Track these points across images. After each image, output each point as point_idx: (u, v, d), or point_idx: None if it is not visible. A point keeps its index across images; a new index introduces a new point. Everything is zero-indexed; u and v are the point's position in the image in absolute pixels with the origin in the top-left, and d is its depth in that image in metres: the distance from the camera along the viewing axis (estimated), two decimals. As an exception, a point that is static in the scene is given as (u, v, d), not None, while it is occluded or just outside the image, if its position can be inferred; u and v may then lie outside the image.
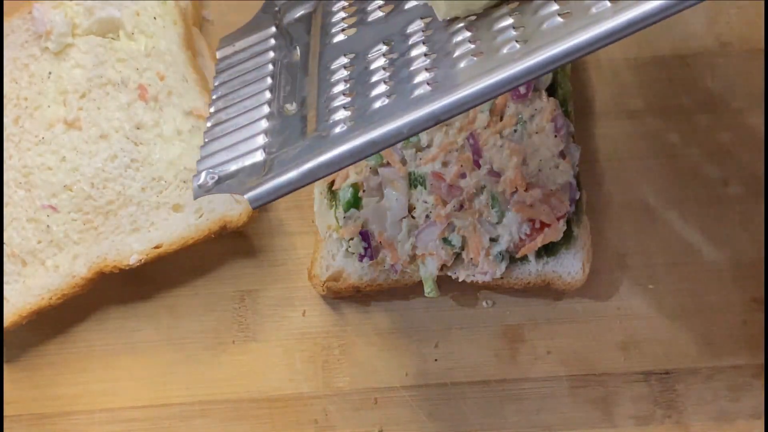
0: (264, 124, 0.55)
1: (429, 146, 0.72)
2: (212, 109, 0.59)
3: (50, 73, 0.75)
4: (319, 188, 0.75)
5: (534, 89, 0.73)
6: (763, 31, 0.80)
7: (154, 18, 0.76)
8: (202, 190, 0.53)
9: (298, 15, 0.63)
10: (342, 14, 0.60)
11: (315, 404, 0.72)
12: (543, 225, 0.71)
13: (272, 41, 0.62)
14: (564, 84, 0.75)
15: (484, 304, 0.74)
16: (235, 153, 0.54)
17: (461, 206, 0.70)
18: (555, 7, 0.47)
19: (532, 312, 0.74)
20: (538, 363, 0.73)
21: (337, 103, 0.53)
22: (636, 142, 0.78)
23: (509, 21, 0.48)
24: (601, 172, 0.77)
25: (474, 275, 0.71)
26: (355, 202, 0.72)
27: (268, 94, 0.57)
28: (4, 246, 0.72)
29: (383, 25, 0.56)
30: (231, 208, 0.72)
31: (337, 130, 0.50)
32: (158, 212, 0.73)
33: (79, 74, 0.75)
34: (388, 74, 0.52)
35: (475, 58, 0.48)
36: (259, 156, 0.53)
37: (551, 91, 0.74)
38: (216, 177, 0.53)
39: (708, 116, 0.78)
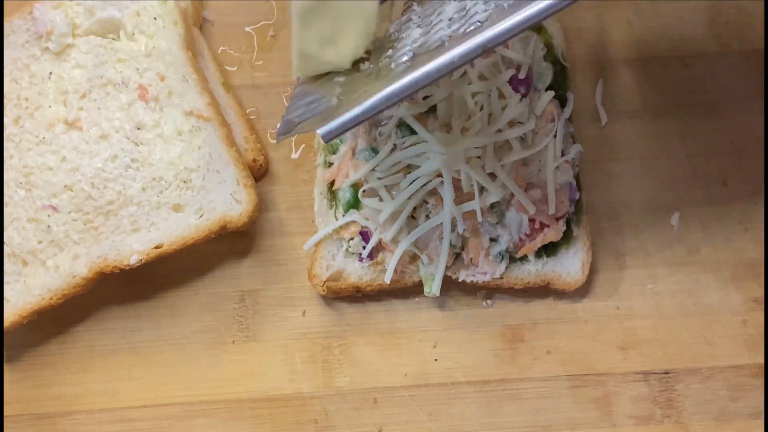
0: (340, 79, 0.60)
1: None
2: (298, 83, 0.64)
3: (51, 73, 0.75)
4: (319, 188, 0.75)
5: (534, 89, 0.73)
6: (763, 31, 0.80)
7: (155, 18, 0.76)
8: (282, 136, 0.58)
9: None
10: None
11: (315, 404, 0.72)
12: (543, 225, 0.71)
13: None
14: (564, 84, 0.75)
15: (484, 304, 0.74)
16: (313, 105, 0.59)
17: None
18: None
19: (532, 312, 0.74)
20: (538, 363, 0.73)
21: (402, 51, 0.58)
22: (636, 142, 0.78)
23: None
24: (601, 172, 0.77)
25: (474, 275, 0.71)
26: (355, 202, 0.72)
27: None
28: (5, 246, 0.72)
29: None
30: (231, 208, 0.72)
31: (400, 68, 0.55)
32: (158, 212, 0.73)
33: (79, 74, 0.75)
34: (447, 24, 0.57)
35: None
36: (333, 102, 0.57)
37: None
38: (295, 122, 0.58)
39: (708, 116, 0.78)
